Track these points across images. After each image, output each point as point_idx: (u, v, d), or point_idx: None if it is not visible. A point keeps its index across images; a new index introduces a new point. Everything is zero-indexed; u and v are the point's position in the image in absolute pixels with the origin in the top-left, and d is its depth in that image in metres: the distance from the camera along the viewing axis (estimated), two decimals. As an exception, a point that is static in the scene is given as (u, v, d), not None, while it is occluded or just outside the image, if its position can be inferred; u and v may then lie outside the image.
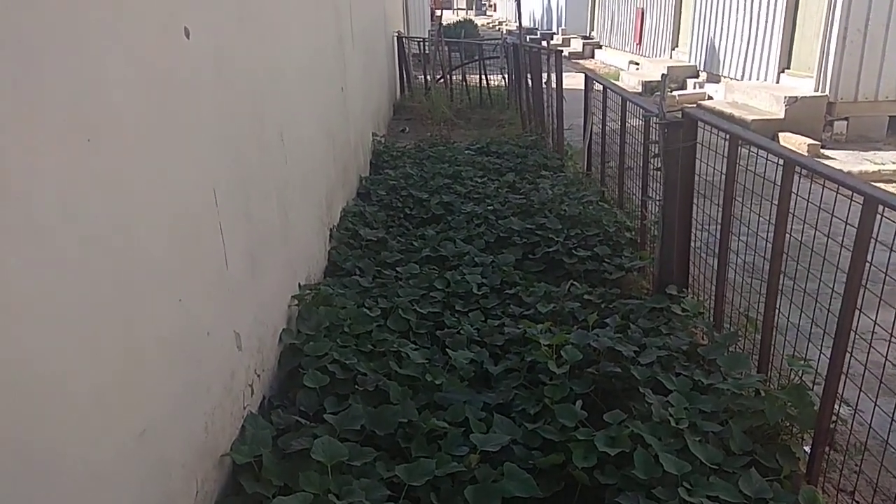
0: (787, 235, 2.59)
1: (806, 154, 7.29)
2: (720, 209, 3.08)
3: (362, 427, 2.36)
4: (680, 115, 3.40)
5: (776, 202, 2.57)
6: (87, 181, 1.39)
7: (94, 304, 1.40)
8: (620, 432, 2.36)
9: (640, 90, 14.17)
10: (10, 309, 1.15)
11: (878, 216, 2.04)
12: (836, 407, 2.30)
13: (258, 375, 2.53)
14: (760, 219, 2.91)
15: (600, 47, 21.25)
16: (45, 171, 1.26)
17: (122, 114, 1.55)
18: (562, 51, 6.51)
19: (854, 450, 2.52)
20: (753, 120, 8.77)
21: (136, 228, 1.61)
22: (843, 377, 2.22)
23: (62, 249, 1.31)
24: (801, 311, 2.63)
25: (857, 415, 2.33)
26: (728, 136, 2.97)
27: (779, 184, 2.55)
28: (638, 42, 17.60)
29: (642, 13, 17.30)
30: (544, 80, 7.14)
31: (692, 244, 3.63)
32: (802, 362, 2.51)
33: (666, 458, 2.20)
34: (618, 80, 16.26)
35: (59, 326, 1.28)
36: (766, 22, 10.52)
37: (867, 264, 2.10)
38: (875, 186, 2.13)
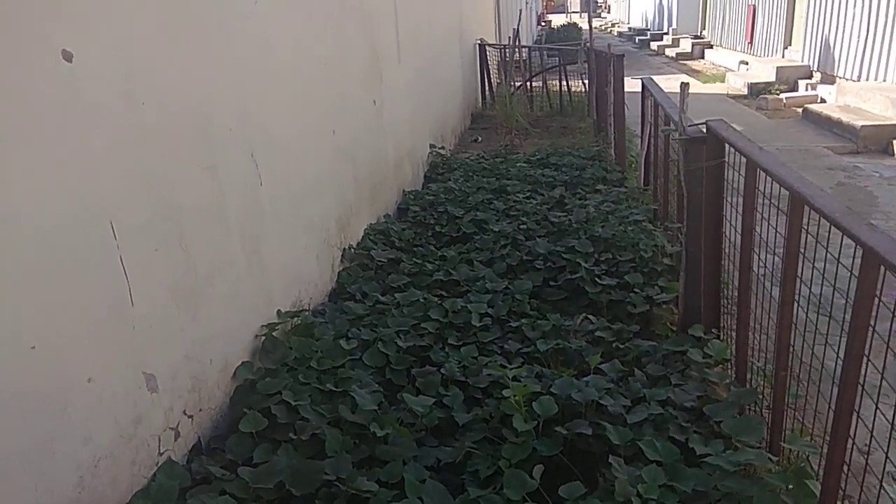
0: (798, 280, 2.11)
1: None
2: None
3: (280, 484, 2.14)
4: (704, 130, 2.94)
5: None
6: None
7: None
8: (571, 511, 1.99)
9: (745, 92, 13.13)
10: None
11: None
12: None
13: (190, 417, 2.37)
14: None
15: (711, 47, 20.02)
16: None
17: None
18: (623, 55, 6.00)
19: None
20: (863, 126, 7.77)
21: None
22: (845, 467, 1.75)
23: None
24: (818, 369, 2.13)
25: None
26: (746, 160, 2.50)
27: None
28: (749, 41, 16.37)
29: (754, 10, 16.07)
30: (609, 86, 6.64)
31: (723, 278, 3.13)
32: (809, 440, 2.03)
33: (611, 553, 1.82)
34: (724, 81, 15.20)
35: None
36: (888, 16, 9.35)
37: (870, 329, 1.63)
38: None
